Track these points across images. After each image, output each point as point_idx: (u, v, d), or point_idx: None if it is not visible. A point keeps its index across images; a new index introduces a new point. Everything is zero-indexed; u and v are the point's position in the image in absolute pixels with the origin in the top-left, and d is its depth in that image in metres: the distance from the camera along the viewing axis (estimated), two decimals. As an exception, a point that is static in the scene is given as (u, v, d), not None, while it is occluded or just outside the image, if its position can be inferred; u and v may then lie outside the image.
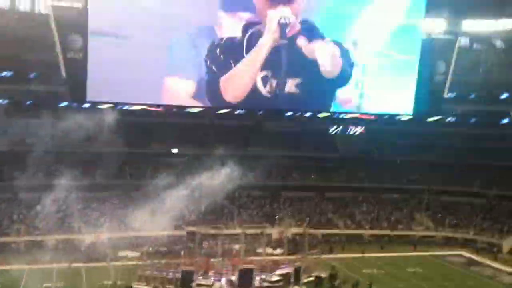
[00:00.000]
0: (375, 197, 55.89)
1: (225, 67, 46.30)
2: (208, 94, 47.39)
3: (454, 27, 55.27)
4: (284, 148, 54.52)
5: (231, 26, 45.16)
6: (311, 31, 46.09)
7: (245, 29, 45.27)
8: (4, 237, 41.54)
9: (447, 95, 55.25)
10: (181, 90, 46.95)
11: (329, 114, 53.94)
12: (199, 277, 33.86)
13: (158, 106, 50.13)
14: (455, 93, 56.11)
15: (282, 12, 41.63)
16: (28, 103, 49.57)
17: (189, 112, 51.03)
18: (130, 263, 38.10)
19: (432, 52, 53.34)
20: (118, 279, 34.10)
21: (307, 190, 55.57)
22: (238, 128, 54.16)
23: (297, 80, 48.11)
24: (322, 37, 47.00)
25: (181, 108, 50.71)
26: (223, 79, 46.07)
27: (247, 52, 45.83)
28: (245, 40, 45.37)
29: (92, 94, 46.93)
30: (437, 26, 54.58)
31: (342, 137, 58.44)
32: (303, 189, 55.54)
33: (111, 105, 48.34)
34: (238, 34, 45.52)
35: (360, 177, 57.34)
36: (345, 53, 48.33)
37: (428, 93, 53.79)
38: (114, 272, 35.56)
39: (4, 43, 45.47)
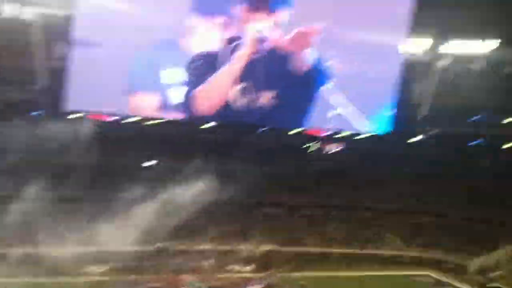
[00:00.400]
0: (347, 215, 56.07)
1: (201, 80, 46.29)
2: (182, 105, 47.25)
3: (435, 48, 56.23)
4: (259, 163, 54.63)
5: (204, 34, 45.18)
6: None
7: (226, 42, 45.38)
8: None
9: (423, 114, 56.17)
10: (146, 104, 46.67)
11: (302, 130, 54.20)
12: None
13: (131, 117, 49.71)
14: (431, 113, 56.96)
15: (259, 26, 41.76)
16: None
17: (163, 123, 50.93)
18: (97, 278, 37.77)
19: (411, 72, 54.32)
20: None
21: (280, 206, 55.64)
22: (214, 141, 54.10)
23: (273, 93, 48.29)
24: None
25: (156, 119, 50.59)
26: (198, 90, 46.03)
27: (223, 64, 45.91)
28: (230, 54, 45.54)
29: (68, 103, 46.57)
30: (417, 46, 55.50)
31: (317, 154, 58.82)
32: (276, 206, 55.58)
33: (85, 115, 48.03)
34: (214, 44, 45.49)
35: (332, 194, 57.62)
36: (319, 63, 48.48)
37: (405, 112, 54.64)
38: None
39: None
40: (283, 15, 44.16)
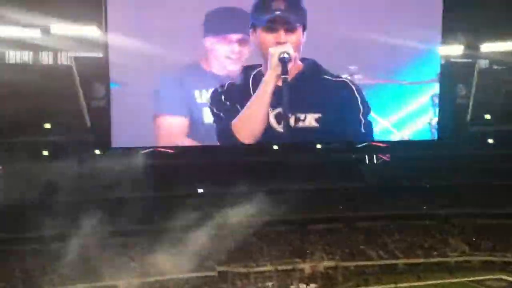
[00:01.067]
0: (406, 225, 54.78)
1: (232, 111, 46.19)
2: (221, 141, 47.18)
3: (472, 50, 55.00)
4: (307, 180, 54.07)
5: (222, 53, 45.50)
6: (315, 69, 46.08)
7: (245, 71, 45.43)
8: (37, 289, 41.57)
9: (470, 117, 54.59)
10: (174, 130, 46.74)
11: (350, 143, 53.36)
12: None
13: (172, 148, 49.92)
14: (478, 115, 55.39)
15: (282, 48, 41.50)
16: (54, 152, 50.10)
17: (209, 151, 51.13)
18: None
19: (451, 76, 53.03)
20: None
21: (335, 221, 54.84)
22: (260, 163, 53.96)
23: (317, 115, 47.77)
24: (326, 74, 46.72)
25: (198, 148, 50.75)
26: (234, 124, 45.89)
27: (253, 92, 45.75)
28: (250, 83, 45.44)
29: (116, 140, 47.34)
30: (454, 50, 54.37)
31: (366, 166, 57.82)
32: (331, 221, 54.81)
33: (134, 150, 48.77)
34: (231, 68, 45.72)
35: (388, 205, 56.35)
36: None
37: (451, 117, 53.17)
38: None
39: (29, 96, 46.61)
40: (299, 34, 44.25)
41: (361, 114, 46.70)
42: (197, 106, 45.53)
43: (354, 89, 46.30)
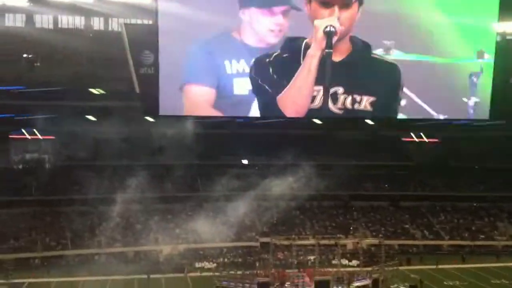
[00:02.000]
0: (453, 206, 53.75)
1: (279, 85, 45.45)
2: (265, 113, 46.59)
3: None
4: (354, 156, 53.47)
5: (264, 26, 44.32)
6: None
7: (290, 43, 44.44)
8: (86, 249, 43.14)
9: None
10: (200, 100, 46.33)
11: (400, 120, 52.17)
12: (275, 288, 33.46)
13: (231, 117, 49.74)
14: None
15: (328, 21, 40.32)
16: (103, 117, 51.04)
17: (258, 122, 51.05)
18: (206, 274, 38.62)
19: (507, 54, 50.70)
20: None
21: (380, 199, 54.24)
22: (308, 137, 53.61)
23: (372, 99, 46.74)
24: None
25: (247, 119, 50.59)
26: (280, 98, 45.24)
27: None
28: (301, 56, 44.49)
29: (164, 107, 47.71)
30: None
31: (415, 145, 56.69)
32: (376, 199, 54.22)
33: (182, 118, 49.12)
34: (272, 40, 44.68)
35: (436, 185, 55.31)
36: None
37: (504, 97, 51.07)
38: (192, 283, 35.91)
39: (80, 61, 47.41)
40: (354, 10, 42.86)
41: (399, 99, 45.76)
42: (227, 77, 44.86)
43: (401, 73, 45.23)
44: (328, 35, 39.37)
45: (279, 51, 43.47)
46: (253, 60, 43.12)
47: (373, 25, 43.72)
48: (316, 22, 40.10)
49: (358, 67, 43.29)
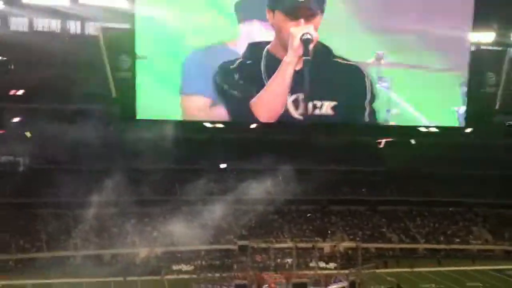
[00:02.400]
0: (429, 211, 54.35)
1: (247, 91, 45.58)
2: (236, 118, 46.70)
3: (503, 38, 53.53)
4: (332, 162, 53.73)
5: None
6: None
7: (252, 48, 44.69)
8: (62, 252, 42.72)
9: (498, 106, 53.36)
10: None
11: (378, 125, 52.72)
12: (252, 291, 33.36)
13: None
14: (506, 104, 54.11)
15: (304, 28, 40.55)
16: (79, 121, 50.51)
17: (235, 127, 51.13)
18: (184, 276, 38.48)
19: (481, 64, 51.85)
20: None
21: (358, 204, 54.63)
22: (285, 142, 53.69)
23: (333, 103, 47.03)
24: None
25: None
26: (253, 103, 45.33)
27: (265, 72, 44.96)
28: (262, 62, 44.72)
29: (141, 111, 47.45)
30: (485, 37, 52.98)
31: (392, 150, 57.33)
32: (354, 203, 54.61)
33: (158, 122, 48.95)
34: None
35: (412, 190, 55.83)
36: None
37: (479, 105, 52.08)
38: (169, 286, 35.63)
39: (56, 64, 46.91)
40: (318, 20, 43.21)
41: (366, 102, 46.10)
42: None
43: (365, 75, 45.64)
44: (305, 43, 39.62)
45: (241, 58, 43.92)
46: (217, 66, 43.68)
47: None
48: (292, 29, 40.24)
49: (319, 72, 43.66)
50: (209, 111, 45.09)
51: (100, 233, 44.17)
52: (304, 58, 38.56)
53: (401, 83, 47.69)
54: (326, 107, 45.50)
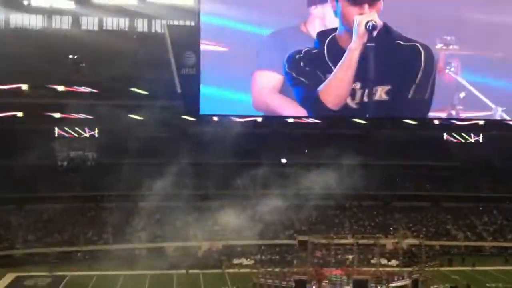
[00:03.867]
0: (497, 207, 52.29)
1: (314, 78, 45.69)
2: (307, 106, 46.94)
3: None
4: (395, 156, 52.73)
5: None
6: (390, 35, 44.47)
7: (320, 37, 44.67)
8: (127, 244, 43.88)
9: None
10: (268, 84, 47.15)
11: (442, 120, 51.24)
12: (312, 287, 33.37)
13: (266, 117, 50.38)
14: None
15: (369, 16, 40.47)
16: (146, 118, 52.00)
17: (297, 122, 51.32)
18: (244, 270, 38.89)
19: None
20: (235, 286, 34.91)
21: (422, 200, 53.25)
22: (348, 137, 53.14)
23: (387, 87, 46.25)
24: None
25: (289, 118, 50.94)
26: (321, 91, 45.49)
27: (330, 60, 44.97)
28: (325, 50, 44.76)
29: (204, 107, 48.49)
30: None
31: (458, 144, 55.58)
32: (417, 199, 53.29)
33: (222, 117, 49.89)
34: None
35: (479, 186, 53.92)
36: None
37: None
38: (229, 279, 36.27)
39: (123, 61, 48.60)
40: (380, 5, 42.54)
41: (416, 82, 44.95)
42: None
43: (423, 54, 44.43)
44: (370, 29, 39.75)
45: (307, 47, 44.11)
46: (286, 57, 44.66)
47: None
48: (357, 17, 40.60)
49: (379, 57, 43.26)
50: (278, 95, 46.25)
51: (163, 226, 45.27)
52: (368, 44, 38.95)
53: (469, 68, 46.82)
54: (380, 92, 45.25)
